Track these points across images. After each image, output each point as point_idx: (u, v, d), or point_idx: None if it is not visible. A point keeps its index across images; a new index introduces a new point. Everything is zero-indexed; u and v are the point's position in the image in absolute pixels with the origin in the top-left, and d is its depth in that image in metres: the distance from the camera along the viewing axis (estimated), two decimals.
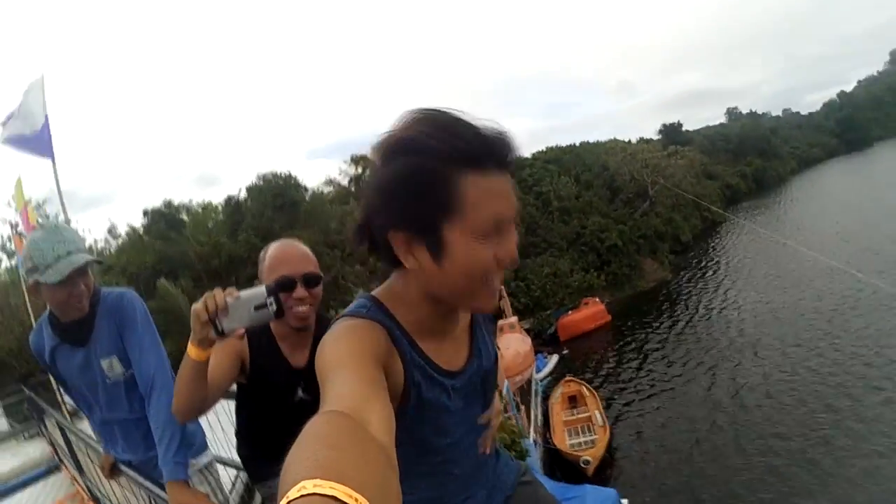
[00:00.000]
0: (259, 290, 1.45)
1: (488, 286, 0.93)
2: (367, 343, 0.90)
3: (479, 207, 0.86)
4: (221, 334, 1.45)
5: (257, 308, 1.44)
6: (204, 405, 1.73)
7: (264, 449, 2.17)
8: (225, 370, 1.76)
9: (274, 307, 1.46)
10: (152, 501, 2.36)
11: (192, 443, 2.30)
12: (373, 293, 1.04)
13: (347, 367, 0.81)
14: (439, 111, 0.89)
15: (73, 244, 1.98)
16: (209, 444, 3.13)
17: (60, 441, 5.16)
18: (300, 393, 2.04)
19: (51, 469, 5.89)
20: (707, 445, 14.91)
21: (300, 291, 1.84)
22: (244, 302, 1.44)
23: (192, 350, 1.50)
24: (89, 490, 4.16)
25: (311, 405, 1.86)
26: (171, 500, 1.89)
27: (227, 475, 3.85)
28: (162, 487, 1.98)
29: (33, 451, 7.54)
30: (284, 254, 1.88)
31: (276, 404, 2.03)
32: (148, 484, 2.22)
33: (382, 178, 0.89)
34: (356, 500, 0.42)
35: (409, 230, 0.90)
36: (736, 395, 17.20)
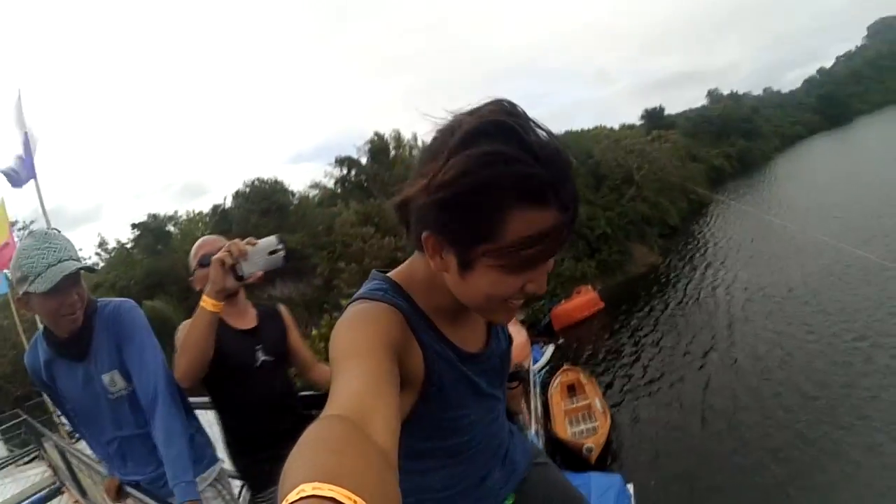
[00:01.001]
0: (271, 238, 1.69)
1: (507, 307, 0.93)
2: (382, 330, 0.88)
3: (520, 244, 0.82)
4: (241, 279, 1.67)
5: (271, 253, 1.68)
6: (204, 368, 1.89)
7: (251, 438, 2.29)
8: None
9: (283, 251, 1.70)
10: None
11: (203, 456, 2.28)
12: (390, 274, 1.03)
13: (357, 358, 0.79)
14: (514, 116, 0.83)
15: (65, 251, 1.91)
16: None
17: (60, 463, 5.08)
18: (261, 355, 2.22)
19: (52, 493, 5.74)
20: (708, 426, 14.98)
21: None
22: (260, 249, 1.66)
23: (207, 303, 1.71)
24: None
25: (275, 366, 2.31)
26: None
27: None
28: None
29: (33, 475, 7.46)
30: (204, 241, 2.24)
31: (244, 376, 2.19)
32: (148, 501, 2.14)
33: (443, 183, 0.81)
34: (355, 501, 0.43)
35: (445, 239, 0.87)
36: (732, 373, 17.31)
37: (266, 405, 2.29)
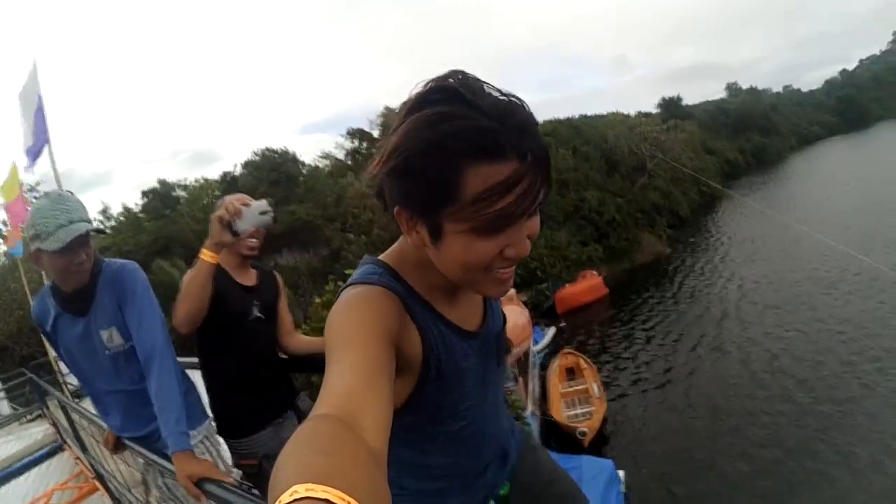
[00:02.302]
0: (262, 201, 1.93)
1: (491, 275, 0.89)
2: (378, 316, 0.86)
3: (481, 202, 0.79)
4: (236, 235, 1.89)
5: (262, 213, 1.92)
6: (201, 316, 2.07)
7: (234, 385, 2.46)
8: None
9: (272, 213, 1.94)
10: (159, 474, 2.44)
11: (194, 413, 2.38)
12: (381, 257, 1.02)
13: (350, 349, 0.78)
14: (463, 81, 0.82)
15: (76, 213, 2.03)
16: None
17: (63, 421, 5.20)
18: (255, 311, 2.45)
19: (54, 450, 5.90)
20: (705, 419, 15.01)
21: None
22: (252, 209, 1.90)
23: (206, 255, 1.92)
24: (93, 468, 4.21)
25: (265, 322, 2.60)
26: (177, 471, 1.88)
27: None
28: (167, 459, 1.98)
29: (36, 433, 7.59)
30: (231, 196, 2.28)
31: (237, 326, 2.39)
32: (153, 457, 2.22)
33: (392, 151, 0.82)
34: (347, 502, 0.43)
35: (411, 209, 0.86)
36: (730, 368, 17.33)
37: (252, 355, 2.50)
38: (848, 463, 11.47)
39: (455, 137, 0.77)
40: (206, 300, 2.05)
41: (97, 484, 4.47)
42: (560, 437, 15.20)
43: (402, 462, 1.04)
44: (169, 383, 2.06)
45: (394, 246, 1.03)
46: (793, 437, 12.95)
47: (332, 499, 0.43)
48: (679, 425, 15.11)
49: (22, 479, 5.58)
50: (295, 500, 0.43)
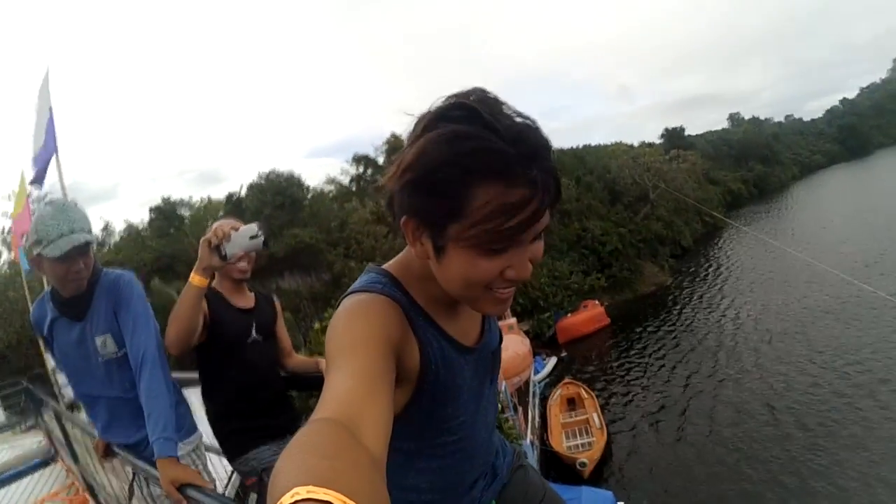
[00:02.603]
0: (252, 225, 1.91)
1: (490, 294, 0.88)
2: (380, 324, 0.86)
3: (488, 220, 0.79)
4: (224, 259, 1.87)
5: (252, 238, 1.89)
6: (192, 339, 2.06)
7: (235, 407, 2.48)
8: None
9: (262, 236, 1.91)
10: (145, 481, 2.48)
11: (183, 425, 2.36)
12: (385, 267, 1.01)
13: (352, 355, 0.78)
14: (482, 99, 0.82)
15: (77, 223, 2.09)
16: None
17: (57, 432, 5.23)
18: (254, 333, 2.48)
19: (46, 461, 5.87)
20: (705, 451, 14.91)
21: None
22: (242, 233, 1.87)
23: (195, 279, 1.88)
24: (84, 479, 4.23)
25: (264, 345, 2.63)
26: (162, 477, 1.91)
27: (224, 468, 3.97)
28: (154, 466, 2.00)
29: (29, 442, 7.41)
30: (222, 224, 2.18)
31: (235, 348, 2.42)
32: (140, 463, 2.27)
33: (407, 165, 0.82)
34: None
35: (417, 220, 0.86)
36: (735, 401, 17.19)
37: (251, 377, 2.50)
38: (848, 495, 11.43)
39: (468, 157, 0.77)
40: (195, 322, 2.03)
41: (87, 496, 4.43)
42: (560, 468, 15.11)
43: (389, 473, 0.96)
44: (158, 389, 2.08)
45: (398, 256, 1.02)
46: (791, 471, 12.88)
47: (333, 501, 0.43)
48: (679, 456, 15.02)
49: (13, 487, 5.58)
50: (296, 501, 0.43)
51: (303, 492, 0.43)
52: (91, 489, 4.07)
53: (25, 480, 5.68)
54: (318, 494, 0.43)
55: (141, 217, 33.06)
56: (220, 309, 2.37)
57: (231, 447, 2.53)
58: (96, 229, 31.96)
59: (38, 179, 6.66)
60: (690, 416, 17.05)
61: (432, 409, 0.99)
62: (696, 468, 14.16)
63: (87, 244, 2.12)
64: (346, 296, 0.94)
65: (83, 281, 2.21)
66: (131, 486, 2.65)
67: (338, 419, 0.64)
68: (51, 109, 6.29)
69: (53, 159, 6.33)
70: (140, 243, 30.34)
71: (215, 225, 2.09)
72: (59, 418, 4.75)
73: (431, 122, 0.82)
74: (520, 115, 0.83)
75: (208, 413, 2.54)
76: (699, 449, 15.05)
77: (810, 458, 13.09)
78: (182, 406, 2.41)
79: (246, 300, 2.55)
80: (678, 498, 13.19)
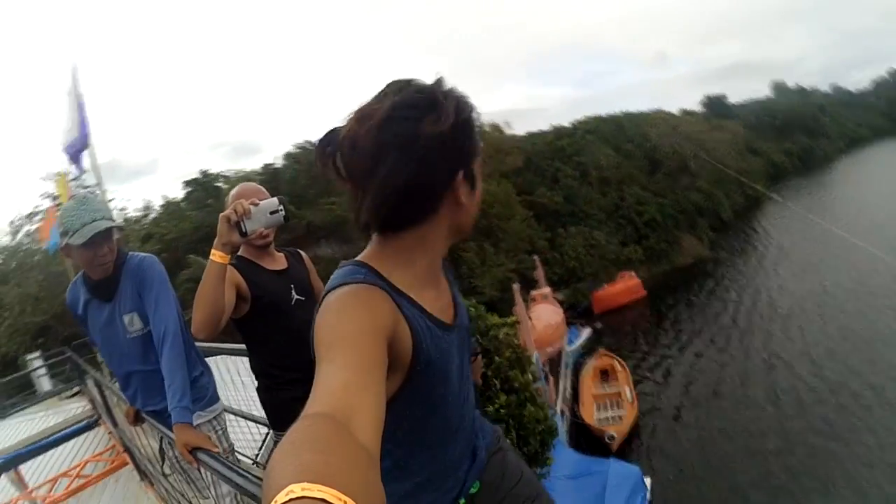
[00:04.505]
0: (273, 200, 1.89)
1: None
2: (371, 314, 0.88)
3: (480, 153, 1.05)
4: (244, 235, 1.84)
5: (272, 213, 1.87)
6: (220, 320, 2.00)
7: (285, 377, 2.40)
8: (227, 294, 2.03)
9: (283, 211, 1.88)
10: (169, 445, 2.77)
11: (206, 395, 2.61)
12: (358, 259, 1.04)
13: (344, 347, 0.79)
14: (436, 82, 1.00)
15: (98, 212, 2.31)
16: (239, 404, 4.12)
17: (99, 398, 5.57)
18: (294, 294, 2.42)
19: (90, 425, 6.02)
20: (736, 429, 14.74)
21: None
22: (262, 209, 1.85)
23: (215, 255, 1.85)
24: (123, 443, 4.58)
25: (306, 304, 2.49)
26: (176, 441, 2.14)
27: (258, 432, 4.19)
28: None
29: (74, 408, 8.01)
30: (243, 189, 2.32)
31: (280, 313, 2.35)
32: (162, 428, 2.54)
33: (442, 130, 0.92)
34: (344, 501, 0.43)
35: (465, 169, 0.99)
36: (769, 380, 16.93)
37: (299, 341, 2.38)
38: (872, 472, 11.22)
39: (468, 110, 0.99)
40: (220, 302, 1.97)
41: (127, 457, 4.78)
42: (589, 440, 15.14)
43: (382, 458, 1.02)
44: (177, 362, 2.30)
45: (366, 250, 1.05)
46: (828, 458, 12.56)
47: (328, 498, 0.42)
48: (709, 435, 14.85)
49: (59, 450, 5.78)
50: (291, 499, 0.42)
51: (297, 489, 0.43)
52: (129, 451, 4.40)
53: (71, 443, 5.89)
54: (312, 492, 0.43)
55: (178, 191, 33.34)
56: (255, 276, 2.32)
57: (280, 420, 2.49)
58: (136, 206, 32.72)
59: (76, 162, 7.08)
60: (722, 395, 16.84)
61: (428, 390, 1.01)
62: (724, 450, 13.99)
63: (109, 230, 2.33)
64: (329, 291, 0.95)
65: (109, 265, 2.41)
66: (161, 448, 2.98)
67: (331, 414, 0.64)
68: (81, 102, 6.60)
69: (87, 147, 6.74)
70: (179, 214, 30.70)
71: (234, 194, 2.28)
72: (99, 386, 5.05)
73: (433, 99, 0.94)
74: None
75: (258, 387, 2.50)
76: (728, 430, 14.85)
77: (846, 446, 12.77)
78: (205, 378, 2.65)
79: (277, 262, 2.50)
80: (704, 478, 13.08)
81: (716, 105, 65.45)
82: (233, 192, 2.35)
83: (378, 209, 0.95)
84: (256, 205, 1.87)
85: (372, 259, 1.02)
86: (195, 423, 2.36)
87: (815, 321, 20.61)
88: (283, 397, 2.41)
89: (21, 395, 13.44)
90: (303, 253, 2.71)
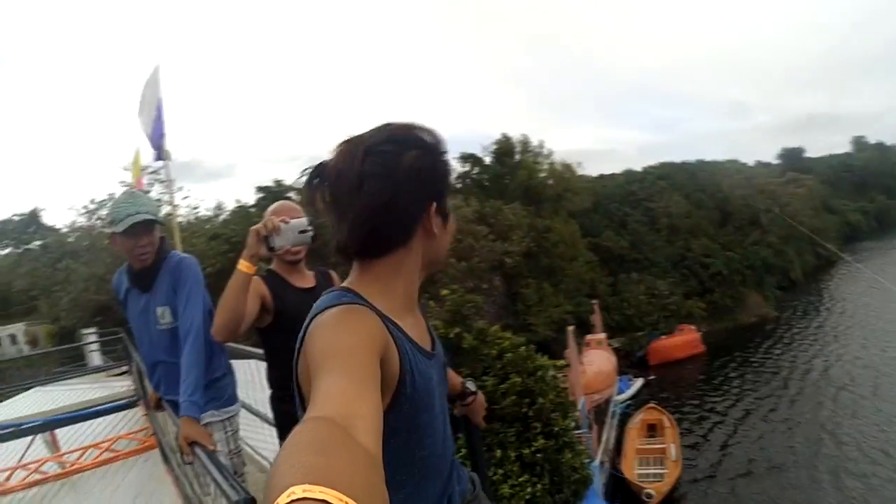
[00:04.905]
0: (303, 220, 1.98)
1: None
2: (366, 329, 0.91)
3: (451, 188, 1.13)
4: (271, 250, 1.93)
5: (300, 232, 1.95)
6: (238, 326, 2.11)
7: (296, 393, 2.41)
8: (250, 304, 2.15)
9: (312, 232, 1.97)
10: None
11: (222, 396, 2.71)
12: (344, 285, 1.08)
13: (342, 359, 0.80)
14: (411, 125, 1.08)
15: (143, 206, 2.49)
16: (263, 406, 4.10)
17: (139, 380, 5.73)
18: None
19: (129, 404, 6.31)
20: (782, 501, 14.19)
21: None
22: (292, 227, 1.94)
23: (242, 265, 1.96)
24: (154, 426, 4.72)
25: None
26: (179, 432, 2.27)
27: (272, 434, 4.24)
28: None
29: (119, 385, 8.44)
30: (280, 207, 2.41)
31: (299, 327, 2.21)
32: (175, 418, 2.62)
33: (420, 163, 1.03)
34: (346, 503, 0.43)
35: (437, 202, 1.07)
36: (825, 460, 16.09)
37: None
38: None
39: (443, 148, 1.10)
40: (241, 309, 2.09)
41: (155, 441, 4.92)
42: (626, 494, 14.82)
43: None
44: (196, 359, 2.42)
45: (349, 279, 1.09)
46: None
47: (330, 500, 0.42)
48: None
49: (96, 422, 6.23)
50: (293, 500, 0.42)
51: (299, 491, 0.43)
52: (157, 435, 4.55)
53: (108, 418, 6.30)
54: (314, 493, 0.43)
55: (251, 197, 34.64)
56: (281, 291, 2.41)
57: (288, 431, 2.52)
58: (209, 206, 33.98)
59: (159, 157, 7.34)
60: (775, 466, 16.12)
61: (412, 416, 1.01)
62: None
63: (149, 223, 2.49)
64: (318, 312, 0.98)
65: (148, 257, 2.56)
66: (177, 436, 3.03)
67: (331, 417, 0.64)
68: (160, 101, 6.94)
69: (163, 144, 7.06)
70: (247, 218, 31.65)
71: (270, 210, 2.36)
72: (140, 371, 5.16)
73: (417, 139, 1.05)
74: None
75: (271, 399, 2.58)
76: (774, 500, 14.32)
77: None
78: (226, 380, 2.77)
79: (305, 279, 2.58)
80: None
81: (793, 157, 63.74)
82: (270, 208, 2.45)
83: (357, 232, 1.02)
84: (287, 223, 1.96)
85: (354, 285, 1.06)
86: (205, 421, 2.48)
87: (878, 394, 19.82)
88: (293, 410, 2.46)
89: (72, 364, 14.78)
90: (333, 273, 2.77)
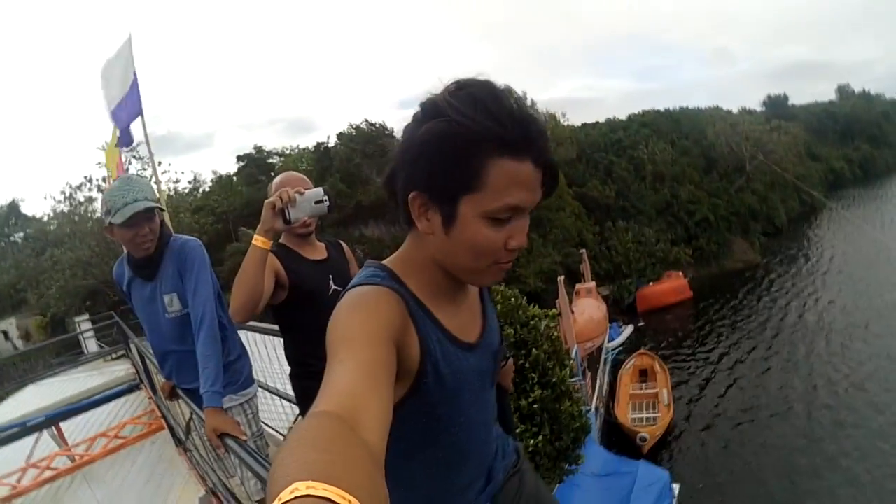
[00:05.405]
0: (318, 189, 1.91)
1: (495, 267, 0.96)
2: (382, 316, 0.88)
3: (499, 193, 0.88)
4: (288, 222, 1.85)
5: (316, 202, 1.88)
6: (257, 305, 2.02)
7: (318, 367, 2.36)
8: (267, 279, 2.06)
9: (328, 201, 1.90)
10: (196, 420, 2.92)
11: (238, 379, 2.66)
12: (384, 262, 1.04)
13: (354, 347, 0.80)
14: (487, 85, 0.89)
15: (141, 193, 2.35)
16: (275, 381, 4.24)
17: (139, 363, 5.77)
18: (332, 284, 2.43)
19: (131, 388, 6.38)
20: (768, 444, 14.44)
21: None
22: (307, 197, 1.86)
23: (258, 241, 1.87)
24: (160, 409, 4.73)
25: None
26: (206, 424, 2.20)
27: (291, 412, 4.32)
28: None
29: (118, 370, 8.46)
30: (287, 178, 2.35)
31: (317, 302, 2.33)
32: (194, 406, 2.65)
33: (415, 138, 0.90)
34: (349, 501, 0.43)
35: (428, 194, 0.92)
36: (811, 396, 16.49)
37: None
38: None
39: (489, 133, 0.85)
40: (260, 287, 1.99)
41: (163, 423, 4.95)
42: (620, 439, 15.04)
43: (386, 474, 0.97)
44: (212, 348, 2.35)
45: (396, 253, 1.05)
46: (860, 484, 12.20)
47: (332, 497, 0.42)
48: (742, 447, 14.60)
49: (101, 409, 6.20)
50: (296, 497, 0.42)
51: (302, 487, 0.43)
52: (166, 418, 4.55)
53: (112, 404, 6.31)
54: (317, 490, 0.43)
55: (232, 166, 34.07)
56: (294, 264, 2.34)
57: (308, 407, 2.50)
58: (188, 179, 33.56)
59: (126, 142, 6.75)
60: (760, 406, 16.48)
61: (434, 406, 0.99)
62: (754, 464, 13.71)
63: (149, 210, 2.35)
64: (346, 290, 0.96)
65: (150, 244, 2.45)
66: (188, 424, 3.14)
67: (338, 413, 0.64)
68: (135, 73, 6.32)
69: (139, 120, 6.47)
70: (229, 188, 31.19)
71: (277, 182, 2.31)
72: (141, 354, 5.20)
73: (438, 108, 0.88)
74: (520, 101, 0.90)
75: (291, 377, 2.53)
76: (760, 444, 14.56)
77: (882, 475, 12.34)
78: (241, 361, 2.71)
79: (317, 251, 2.52)
80: (734, 490, 12.87)
81: (777, 105, 63.56)
82: (276, 180, 2.39)
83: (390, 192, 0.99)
84: (302, 193, 1.89)
85: (397, 262, 1.03)
86: (226, 406, 2.40)
87: (860, 338, 20.03)
88: (314, 386, 2.42)
89: (69, 354, 14.51)
90: (344, 244, 2.73)
